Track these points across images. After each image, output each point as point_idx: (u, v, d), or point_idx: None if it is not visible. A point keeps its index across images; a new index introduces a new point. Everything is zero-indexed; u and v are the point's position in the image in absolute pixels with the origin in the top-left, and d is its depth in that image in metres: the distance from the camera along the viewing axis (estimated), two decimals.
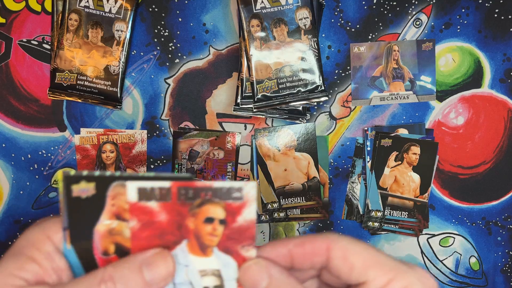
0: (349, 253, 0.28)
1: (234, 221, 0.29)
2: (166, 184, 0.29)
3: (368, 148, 0.55)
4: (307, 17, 0.51)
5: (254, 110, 0.52)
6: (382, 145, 0.55)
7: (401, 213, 0.55)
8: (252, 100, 0.52)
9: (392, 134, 0.55)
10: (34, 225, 0.30)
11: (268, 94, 0.51)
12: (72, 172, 0.29)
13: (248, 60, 0.51)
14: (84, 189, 0.29)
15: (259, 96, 0.51)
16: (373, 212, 0.55)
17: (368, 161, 0.55)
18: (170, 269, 0.29)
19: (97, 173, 0.29)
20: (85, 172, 0.29)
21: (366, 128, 0.55)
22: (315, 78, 0.51)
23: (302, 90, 0.51)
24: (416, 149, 0.55)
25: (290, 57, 0.51)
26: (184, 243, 0.30)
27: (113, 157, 0.53)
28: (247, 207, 0.29)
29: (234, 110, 0.52)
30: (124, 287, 0.27)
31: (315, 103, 0.52)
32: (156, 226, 0.29)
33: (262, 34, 0.51)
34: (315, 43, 0.51)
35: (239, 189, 0.29)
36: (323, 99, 0.51)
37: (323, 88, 0.51)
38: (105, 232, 0.30)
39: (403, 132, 0.55)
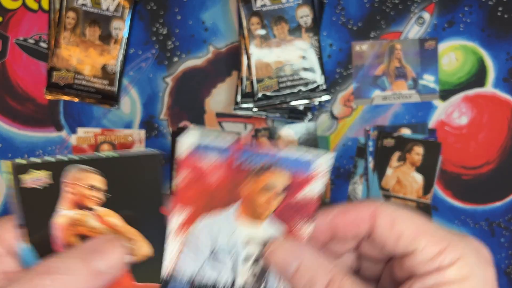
0: (397, 220, 0.26)
1: (294, 194, 0.27)
2: (226, 142, 0.26)
3: (370, 149, 0.54)
4: (308, 15, 0.50)
5: (254, 109, 0.51)
6: (385, 145, 0.54)
7: None
8: (252, 100, 0.51)
9: (395, 134, 0.54)
10: None
11: (269, 94, 0.51)
12: (22, 160, 0.27)
13: (248, 58, 0.50)
14: (37, 179, 0.27)
15: (259, 95, 0.51)
16: None
17: (370, 162, 0.55)
18: (119, 257, 0.27)
19: (49, 158, 0.27)
20: (35, 159, 0.27)
21: (368, 128, 0.54)
22: (316, 77, 0.51)
23: (303, 89, 0.51)
24: (419, 150, 0.54)
25: (291, 55, 0.50)
26: (233, 208, 0.28)
27: None
28: (314, 181, 0.26)
29: (234, 110, 0.52)
30: (71, 278, 0.25)
31: (316, 103, 0.52)
32: (207, 185, 0.27)
33: (263, 32, 0.50)
34: (316, 41, 0.51)
35: (309, 161, 0.26)
36: (324, 98, 0.51)
37: (324, 87, 0.51)
38: (66, 223, 0.27)
39: (405, 132, 0.54)
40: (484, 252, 0.26)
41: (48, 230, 0.27)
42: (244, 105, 0.52)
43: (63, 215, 0.27)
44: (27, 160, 0.26)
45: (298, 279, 0.26)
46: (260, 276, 0.28)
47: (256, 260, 0.28)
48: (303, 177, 0.26)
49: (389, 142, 0.54)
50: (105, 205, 0.28)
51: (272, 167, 0.27)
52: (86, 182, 0.27)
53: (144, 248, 0.29)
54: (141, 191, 0.28)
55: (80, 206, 0.28)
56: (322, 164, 0.26)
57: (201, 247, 0.28)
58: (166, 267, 0.28)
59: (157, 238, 0.29)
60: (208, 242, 0.28)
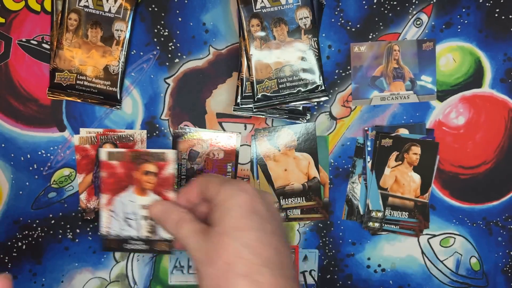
0: (208, 185, 0.42)
1: (160, 173, 0.46)
2: (122, 150, 0.47)
3: (369, 148, 0.55)
4: (307, 17, 0.51)
5: (254, 110, 0.52)
6: (383, 145, 0.55)
7: (402, 213, 0.55)
8: (252, 100, 0.52)
9: (393, 134, 0.55)
10: None
11: (268, 94, 0.51)
12: None
13: (248, 59, 0.51)
14: None
15: (259, 96, 0.51)
16: (374, 213, 0.55)
17: (369, 161, 0.55)
18: None
19: None
20: None
21: (366, 128, 0.55)
22: (315, 78, 0.51)
23: (302, 90, 0.51)
24: (416, 149, 0.54)
25: (290, 56, 0.51)
26: (132, 187, 0.47)
27: None
28: (168, 166, 0.46)
29: (234, 110, 0.52)
30: None
31: (315, 103, 0.52)
32: (117, 176, 0.47)
33: (262, 33, 0.51)
34: (315, 42, 0.51)
35: (164, 155, 0.46)
36: (323, 99, 0.51)
37: (323, 88, 0.51)
38: None
39: (403, 132, 0.55)
40: (240, 188, 0.39)
41: None
42: (244, 106, 0.52)
43: None
44: None
45: (162, 219, 0.44)
46: (153, 228, 0.47)
47: (148, 218, 0.47)
48: (163, 164, 0.46)
49: (387, 142, 0.55)
50: None
51: (147, 160, 0.46)
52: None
53: None
54: None
55: None
56: (170, 156, 0.46)
57: (119, 214, 0.48)
58: (102, 228, 0.48)
59: None
60: (122, 210, 0.47)
